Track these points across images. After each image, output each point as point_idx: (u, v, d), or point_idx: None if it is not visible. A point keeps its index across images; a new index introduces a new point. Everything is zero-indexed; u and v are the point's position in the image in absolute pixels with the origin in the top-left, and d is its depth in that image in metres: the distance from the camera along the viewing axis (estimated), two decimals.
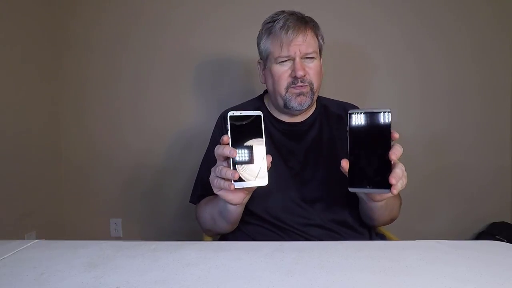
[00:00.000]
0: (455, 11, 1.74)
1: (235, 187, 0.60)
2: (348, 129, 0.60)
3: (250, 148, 0.61)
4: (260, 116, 0.62)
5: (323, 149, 0.92)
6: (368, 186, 0.59)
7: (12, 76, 1.55)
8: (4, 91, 1.51)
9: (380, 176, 0.58)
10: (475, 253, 0.56)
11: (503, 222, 1.76)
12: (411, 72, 1.77)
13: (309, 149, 0.92)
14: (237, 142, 0.60)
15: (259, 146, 0.61)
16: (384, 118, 0.58)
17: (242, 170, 0.60)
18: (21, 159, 1.60)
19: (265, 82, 0.96)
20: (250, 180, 0.61)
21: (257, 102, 1.02)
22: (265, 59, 0.93)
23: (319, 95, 1.02)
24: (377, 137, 0.58)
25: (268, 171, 0.62)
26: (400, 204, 0.90)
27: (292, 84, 0.88)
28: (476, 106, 1.77)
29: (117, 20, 1.78)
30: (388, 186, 0.58)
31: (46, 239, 0.64)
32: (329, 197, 0.88)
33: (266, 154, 0.62)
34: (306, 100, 0.88)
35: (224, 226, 0.84)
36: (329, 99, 1.05)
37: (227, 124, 0.60)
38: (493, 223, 1.77)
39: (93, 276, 0.48)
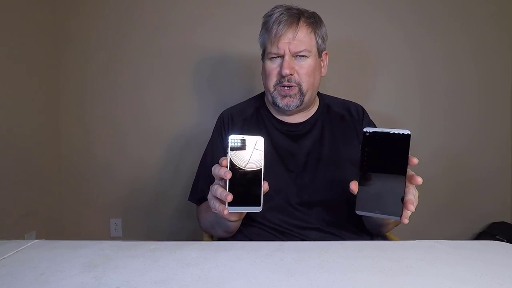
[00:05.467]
0: (455, 11, 1.74)
1: (229, 211, 0.60)
2: (361, 148, 0.56)
3: (247, 172, 0.60)
4: (261, 140, 0.60)
5: (324, 151, 0.89)
6: (377, 211, 0.55)
7: (12, 76, 1.55)
8: (3, 91, 1.51)
9: (391, 201, 0.54)
10: (475, 253, 0.56)
11: (503, 222, 1.76)
12: (411, 72, 1.77)
13: (310, 151, 0.89)
14: (236, 164, 0.59)
15: (257, 171, 0.60)
16: (403, 140, 0.53)
17: (238, 193, 0.59)
18: (21, 159, 1.60)
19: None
20: (244, 205, 0.61)
21: (257, 102, 0.99)
22: (262, 53, 0.92)
23: (322, 93, 1.00)
24: (393, 160, 0.54)
25: (264, 193, 0.62)
26: None
27: (279, 82, 0.86)
28: (476, 106, 1.77)
29: (117, 20, 1.78)
30: (399, 212, 0.54)
31: (46, 239, 0.63)
32: (328, 200, 0.86)
33: (265, 168, 0.60)
34: (293, 102, 0.86)
35: (222, 234, 0.84)
36: (333, 97, 1.01)
37: (227, 146, 0.59)
38: (493, 223, 1.78)
39: (93, 276, 0.48)
